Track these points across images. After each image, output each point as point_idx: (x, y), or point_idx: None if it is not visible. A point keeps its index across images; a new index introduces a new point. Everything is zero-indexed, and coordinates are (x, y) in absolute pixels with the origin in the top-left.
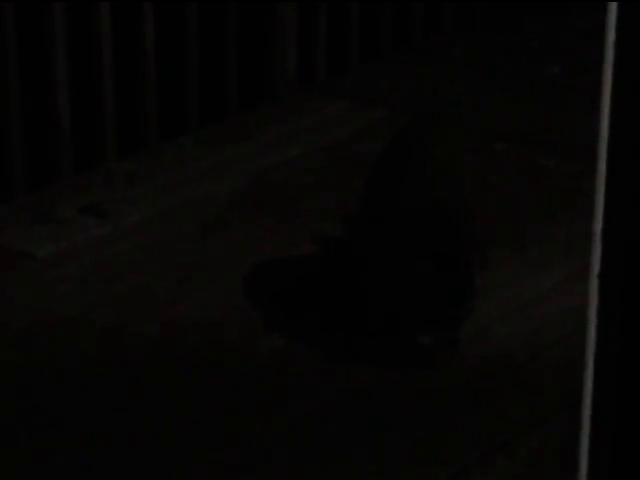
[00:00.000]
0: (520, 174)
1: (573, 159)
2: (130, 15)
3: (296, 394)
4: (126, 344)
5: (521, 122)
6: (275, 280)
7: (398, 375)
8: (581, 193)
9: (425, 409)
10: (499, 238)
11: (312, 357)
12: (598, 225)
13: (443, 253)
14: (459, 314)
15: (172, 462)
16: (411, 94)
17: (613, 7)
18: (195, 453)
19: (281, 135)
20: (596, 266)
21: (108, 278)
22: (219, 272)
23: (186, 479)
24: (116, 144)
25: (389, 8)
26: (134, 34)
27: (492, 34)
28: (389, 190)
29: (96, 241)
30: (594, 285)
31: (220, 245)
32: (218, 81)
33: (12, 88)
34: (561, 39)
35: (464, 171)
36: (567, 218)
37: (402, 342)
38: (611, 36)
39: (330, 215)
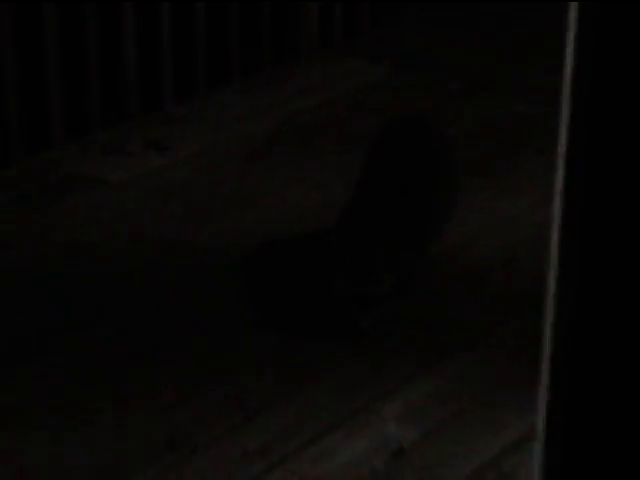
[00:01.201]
0: (497, 116)
1: (542, 104)
2: None
3: None
4: (179, 252)
5: (499, 74)
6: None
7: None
8: (548, 131)
9: (403, 312)
10: (475, 168)
11: None
12: (562, 149)
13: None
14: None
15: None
16: (412, 54)
17: None
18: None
19: (305, 86)
20: (559, 185)
21: (165, 199)
22: (255, 196)
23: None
24: (174, 91)
25: None
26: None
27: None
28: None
29: (156, 170)
30: (557, 202)
31: (256, 174)
32: (256, 40)
33: (90, 44)
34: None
35: (452, 173)
36: (536, 150)
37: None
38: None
39: (343, 147)
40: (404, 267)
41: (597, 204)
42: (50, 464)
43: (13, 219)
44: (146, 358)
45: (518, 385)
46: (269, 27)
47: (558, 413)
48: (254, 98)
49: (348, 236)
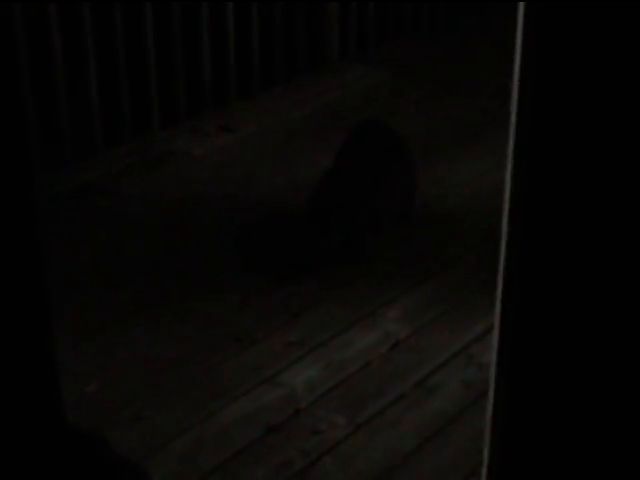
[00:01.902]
0: (467, 107)
1: (500, 100)
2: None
3: None
4: (238, 202)
5: (470, 79)
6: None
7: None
8: (505, 117)
9: (398, 246)
10: (451, 142)
11: None
12: (512, 130)
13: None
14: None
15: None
16: (407, 62)
17: None
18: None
19: (330, 85)
20: (510, 154)
21: (230, 165)
22: (298, 158)
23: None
24: (237, 89)
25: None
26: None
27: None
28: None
29: (226, 145)
30: (509, 166)
31: (297, 145)
32: (294, 54)
33: (178, 58)
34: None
35: (407, 163)
36: (494, 131)
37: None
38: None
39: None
40: (354, 228)
41: (538, 168)
42: (144, 352)
43: (126, 181)
44: (219, 275)
45: (482, 295)
46: (304, 44)
47: (510, 312)
48: (293, 94)
49: (313, 211)
